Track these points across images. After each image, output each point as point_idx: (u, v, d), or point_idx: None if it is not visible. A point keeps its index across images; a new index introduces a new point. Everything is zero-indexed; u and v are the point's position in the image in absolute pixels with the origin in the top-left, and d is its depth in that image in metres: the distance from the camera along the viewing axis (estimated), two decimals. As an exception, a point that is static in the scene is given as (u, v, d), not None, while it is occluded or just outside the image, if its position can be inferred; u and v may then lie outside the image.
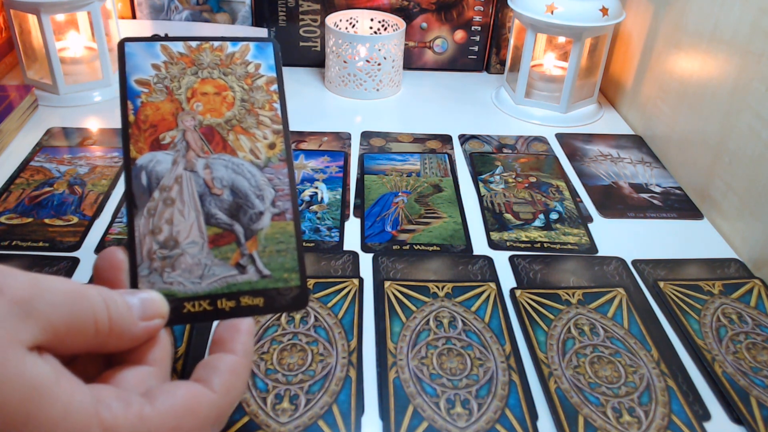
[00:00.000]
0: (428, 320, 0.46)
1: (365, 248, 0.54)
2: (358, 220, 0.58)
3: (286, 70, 0.88)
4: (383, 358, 0.43)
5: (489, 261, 0.53)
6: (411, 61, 0.90)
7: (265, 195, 0.34)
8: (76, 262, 0.51)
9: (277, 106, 0.35)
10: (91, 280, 0.37)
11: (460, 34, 0.88)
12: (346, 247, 0.54)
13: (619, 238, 0.57)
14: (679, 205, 0.62)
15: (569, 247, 0.55)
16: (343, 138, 0.71)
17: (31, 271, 0.26)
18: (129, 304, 0.29)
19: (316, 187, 0.62)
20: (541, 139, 0.74)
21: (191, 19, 0.86)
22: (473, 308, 0.47)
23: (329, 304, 0.47)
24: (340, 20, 0.84)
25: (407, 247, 0.54)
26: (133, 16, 0.87)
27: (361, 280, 0.50)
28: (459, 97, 0.84)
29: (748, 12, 0.56)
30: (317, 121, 0.75)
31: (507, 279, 0.51)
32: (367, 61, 0.79)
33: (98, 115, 0.74)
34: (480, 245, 0.55)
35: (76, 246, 0.53)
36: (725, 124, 0.59)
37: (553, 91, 0.79)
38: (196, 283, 0.32)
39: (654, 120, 0.73)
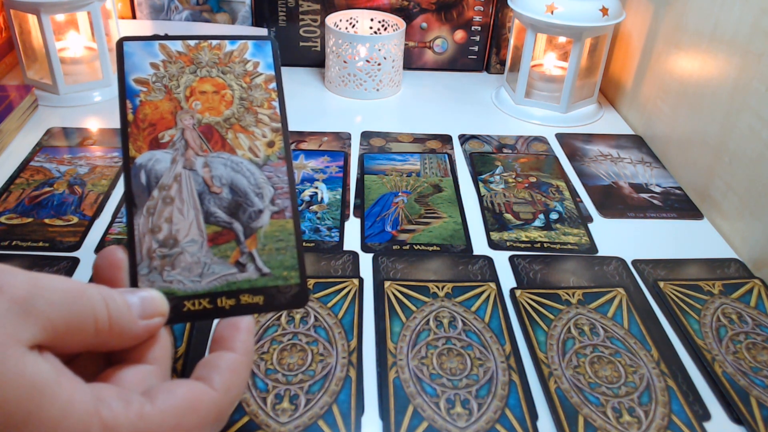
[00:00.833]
0: (428, 320, 0.46)
1: (365, 248, 0.54)
2: (358, 220, 0.58)
3: (286, 70, 0.88)
4: (383, 358, 0.43)
5: (489, 261, 0.53)
6: (411, 61, 0.90)
7: (265, 193, 0.34)
8: (76, 262, 0.51)
9: (276, 104, 0.35)
10: (91, 280, 0.37)
11: (460, 34, 0.88)
12: (346, 247, 0.54)
13: (619, 238, 0.57)
14: (679, 205, 0.62)
15: (569, 247, 0.55)
16: (343, 138, 0.71)
17: (32, 271, 0.26)
18: (129, 303, 0.29)
19: (316, 187, 0.62)
20: (541, 139, 0.74)
21: (191, 19, 0.86)
22: (473, 308, 0.47)
23: (329, 304, 0.47)
24: (340, 20, 0.84)
25: (407, 247, 0.54)
26: (133, 16, 0.87)
27: (361, 280, 0.50)
28: (459, 97, 0.84)
29: (748, 12, 0.56)
30: (317, 121, 0.75)
31: (507, 279, 0.51)
32: (367, 61, 0.79)
33: (98, 115, 0.74)
34: (480, 245, 0.55)
35: (76, 246, 0.53)
36: (725, 124, 0.59)
37: (553, 91, 0.79)
38: (196, 281, 0.32)
39: (654, 120, 0.73)
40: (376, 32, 0.86)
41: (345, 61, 0.79)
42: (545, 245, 0.55)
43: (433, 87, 0.86)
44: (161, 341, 0.30)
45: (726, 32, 0.59)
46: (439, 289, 0.49)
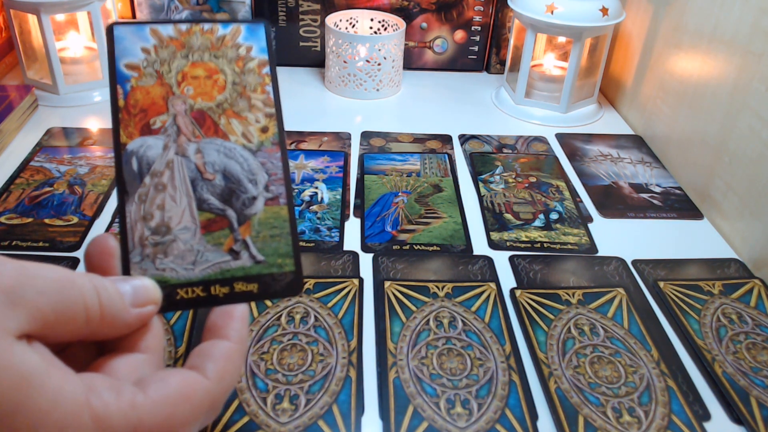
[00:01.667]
0: (428, 320, 0.46)
1: (365, 248, 0.54)
2: (358, 220, 0.58)
3: (286, 70, 0.88)
4: (383, 358, 0.43)
5: (489, 261, 0.53)
6: (411, 61, 0.90)
7: (258, 179, 0.34)
8: (76, 262, 0.51)
9: (270, 89, 0.35)
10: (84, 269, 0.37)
11: (460, 34, 0.88)
12: (346, 247, 0.54)
13: (619, 238, 0.57)
14: (679, 205, 0.62)
15: (569, 247, 0.55)
16: (343, 138, 0.71)
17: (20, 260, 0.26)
18: (121, 291, 0.28)
19: (316, 187, 0.62)
20: (541, 139, 0.74)
21: (191, 19, 0.86)
22: (473, 308, 0.47)
23: (329, 304, 0.47)
24: (340, 20, 0.84)
25: (407, 247, 0.54)
26: (133, 16, 0.87)
27: (361, 280, 0.50)
28: (459, 97, 0.84)
29: (748, 12, 0.56)
30: (317, 121, 0.75)
31: (507, 279, 0.51)
32: (367, 61, 0.79)
33: (98, 115, 0.74)
34: (480, 245, 0.55)
35: (76, 246, 0.53)
36: (725, 124, 0.59)
37: (553, 91, 0.79)
38: (189, 269, 0.32)
39: (654, 120, 0.73)
40: (376, 32, 0.86)
41: (345, 61, 0.79)
42: (545, 245, 0.55)
43: (433, 87, 0.86)
44: (154, 330, 0.30)
45: (726, 32, 0.59)
46: (439, 289, 0.49)
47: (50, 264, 0.26)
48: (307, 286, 0.49)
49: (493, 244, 0.55)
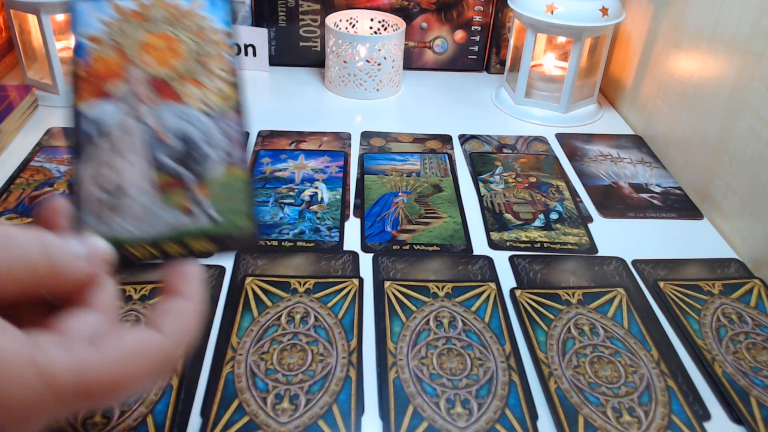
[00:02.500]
0: (428, 320, 0.46)
1: (365, 248, 0.54)
2: (358, 220, 0.58)
3: (286, 70, 0.88)
4: (383, 358, 0.43)
5: (489, 261, 0.53)
6: (411, 61, 0.90)
7: (216, 143, 0.34)
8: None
9: (230, 58, 0.35)
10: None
11: (460, 34, 0.88)
12: (346, 247, 0.54)
13: (619, 238, 0.57)
14: (679, 205, 0.62)
15: (569, 247, 0.55)
16: (343, 138, 0.71)
17: None
18: (70, 247, 0.28)
19: (316, 187, 0.62)
20: (541, 139, 0.74)
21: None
22: (473, 308, 0.47)
23: (329, 304, 0.47)
24: (340, 20, 0.84)
25: (407, 247, 0.54)
26: (133, 16, 0.87)
27: (361, 280, 0.50)
28: (459, 97, 0.84)
29: (748, 12, 0.56)
30: (317, 121, 0.75)
31: (507, 279, 0.51)
32: (367, 61, 0.79)
33: (98, 115, 0.74)
34: (480, 245, 0.55)
35: (76, 246, 0.53)
36: (725, 124, 0.59)
37: (553, 91, 0.79)
38: (143, 228, 0.32)
39: (654, 120, 0.73)
40: (376, 32, 0.86)
41: (345, 61, 0.79)
42: (545, 245, 0.55)
43: (433, 87, 0.86)
44: (106, 289, 0.29)
45: (726, 32, 0.59)
46: (439, 289, 0.49)
47: None
48: (307, 286, 0.49)
49: (493, 244, 0.55)
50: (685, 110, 0.66)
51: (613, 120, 0.80)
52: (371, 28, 0.86)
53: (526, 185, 0.64)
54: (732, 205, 0.57)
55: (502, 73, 0.90)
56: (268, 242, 0.54)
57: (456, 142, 0.72)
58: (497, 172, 0.67)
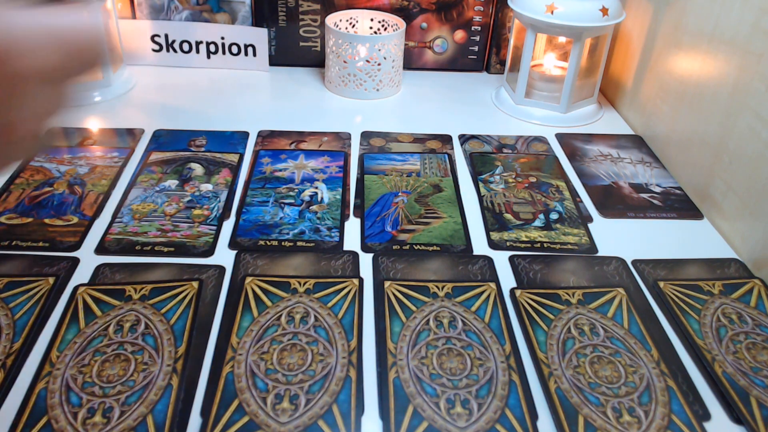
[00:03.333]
0: (428, 320, 0.46)
1: (365, 248, 0.54)
2: (358, 220, 0.58)
3: (286, 70, 0.88)
4: (383, 358, 0.43)
5: (489, 261, 0.53)
6: (411, 61, 0.90)
7: None
8: (76, 262, 0.51)
9: None
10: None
11: (460, 34, 0.88)
12: (346, 247, 0.54)
13: (619, 238, 0.57)
14: (679, 205, 0.62)
15: (569, 247, 0.55)
16: (343, 138, 0.71)
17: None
18: None
19: (316, 187, 0.62)
20: (541, 139, 0.74)
21: (191, 19, 0.86)
22: (473, 308, 0.47)
23: (329, 304, 0.47)
24: (340, 20, 0.84)
25: (407, 247, 0.54)
26: (133, 16, 0.87)
27: (361, 280, 0.50)
28: (459, 97, 0.84)
29: (748, 12, 0.56)
30: (317, 121, 0.75)
31: (507, 279, 0.51)
32: (367, 61, 0.79)
33: (98, 115, 0.74)
34: (480, 245, 0.55)
35: (76, 246, 0.53)
36: (725, 124, 0.59)
37: (553, 91, 0.79)
38: None
39: (654, 120, 0.73)
40: (376, 32, 0.86)
41: (345, 61, 0.79)
42: (545, 245, 0.55)
43: (433, 87, 0.86)
44: None
45: (726, 32, 0.59)
46: (439, 289, 0.49)
47: None
48: (307, 285, 0.49)
49: (493, 244, 0.55)
50: (685, 110, 0.66)
51: (613, 120, 0.80)
52: (371, 28, 0.86)
53: (526, 185, 0.64)
54: (732, 205, 0.57)
55: (502, 73, 0.90)
56: (268, 242, 0.54)
57: (456, 142, 0.72)
58: (497, 172, 0.67)
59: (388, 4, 0.85)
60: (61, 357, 0.42)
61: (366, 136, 0.72)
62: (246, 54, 0.86)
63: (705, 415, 0.40)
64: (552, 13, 0.71)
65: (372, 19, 0.85)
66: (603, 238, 0.57)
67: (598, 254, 0.55)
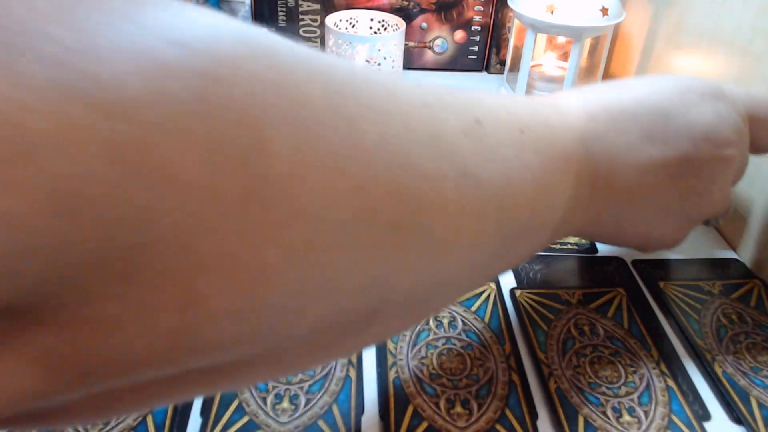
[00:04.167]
0: (428, 320, 0.46)
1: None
2: (358, 220, 0.58)
3: (286, 70, 0.88)
4: (383, 358, 0.43)
5: (489, 261, 0.53)
6: (411, 61, 0.90)
7: None
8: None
9: None
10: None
11: (460, 34, 0.88)
12: (346, 247, 0.54)
13: (619, 238, 0.57)
14: (679, 205, 0.62)
15: (569, 247, 0.55)
16: (343, 138, 0.71)
17: None
18: None
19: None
20: (541, 139, 0.74)
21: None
22: (473, 308, 0.47)
23: (329, 304, 0.47)
24: (340, 20, 0.84)
25: (407, 247, 0.54)
26: (133, 16, 0.87)
27: (361, 280, 0.50)
28: (459, 97, 0.84)
29: (748, 12, 0.56)
30: (317, 121, 0.75)
31: (507, 279, 0.51)
32: (367, 61, 0.79)
33: (98, 115, 0.74)
34: (480, 245, 0.55)
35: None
36: (725, 124, 0.59)
37: (554, 90, 0.79)
38: None
39: (654, 120, 0.73)
40: (376, 32, 0.86)
41: (345, 61, 0.79)
42: (545, 245, 0.55)
43: (433, 87, 0.86)
44: None
45: (726, 32, 0.59)
46: (439, 289, 0.49)
47: None
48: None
49: (493, 244, 0.55)
50: (685, 110, 0.66)
51: (613, 120, 0.80)
52: (371, 28, 0.86)
53: (526, 185, 0.64)
54: (732, 205, 0.57)
55: (502, 73, 0.90)
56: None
57: (456, 142, 0.72)
58: (497, 172, 0.66)
59: (388, 4, 0.85)
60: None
61: (366, 136, 0.72)
62: (246, 54, 0.86)
63: (705, 415, 0.40)
64: (552, 13, 0.71)
65: (372, 19, 0.85)
66: (603, 238, 0.57)
67: (598, 254, 0.55)
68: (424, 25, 0.87)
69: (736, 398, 0.41)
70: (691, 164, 0.36)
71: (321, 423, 0.38)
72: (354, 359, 0.42)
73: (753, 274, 0.53)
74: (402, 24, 0.82)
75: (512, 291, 0.49)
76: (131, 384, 0.18)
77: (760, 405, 0.41)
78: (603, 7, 0.72)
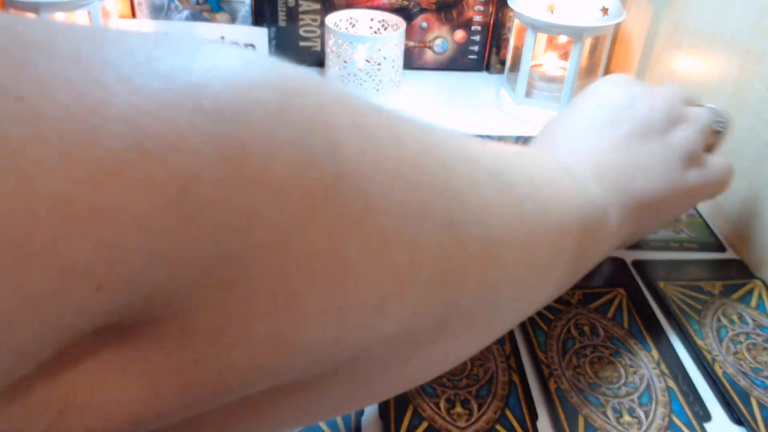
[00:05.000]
0: (428, 320, 0.46)
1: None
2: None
3: (286, 69, 0.88)
4: (383, 358, 0.43)
5: (489, 261, 0.53)
6: (411, 61, 0.90)
7: None
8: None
9: None
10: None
11: (460, 34, 0.88)
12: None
13: (620, 239, 0.57)
14: (679, 206, 0.62)
15: (569, 247, 0.55)
16: (343, 138, 0.71)
17: None
18: None
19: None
20: (541, 139, 0.74)
21: (191, 19, 0.86)
22: (473, 308, 0.47)
23: (329, 304, 0.47)
24: (340, 20, 0.84)
25: (407, 247, 0.54)
26: (133, 16, 0.87)
27: (360, 280, 0.50)
28: (459, 97, 0.84)
29: (748, 11, 0.56)
30: (317, 121, 0.75)
31: (507, 279, 0.51)
32: (367, 61, 0.79)
33: (98, 114, 0.74)
34: (480, 245, 0.55)
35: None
36: (725, 124, 0.58)
37: (554, 91, 0.79)
38: None
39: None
40: (376, 32, 0.86)
41: (345, 61, 0.79)
42: (545, 245, 0.55)
43: (433, 87, 0.86)
44: None
45: (726, 32, 0.59)
46: (439, 289, 0.49)
47: None
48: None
49: (493, 244, 0.55)
50: (686, 110, 0.66)
51: (613, 120, 0.80)
52: (371, 28, 0.86)
53: (526, 185, 0.64)
54: (732, 205, 0.57)
55: (502, 73, 0.90)
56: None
57: (456, 142, 0.72)
58: (497, 172, 0.66)
59: (388, 4, 0.85)
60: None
61: (366, 136, 0.72)
62: (246, 54, 0.86)
63: (705, 415, 0.40)
64: (552, 12, 0.71)
65: (372, 19, 0.85)
66: (603, 239, 0.57)
67: (599, 254, 0.55)
68: (424, 24, 0.87)
69: (736, 399, 0.41)
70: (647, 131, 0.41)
71: (321, 423, 0.38)
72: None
73: (753, 275, 0.53)
74: (402, 24, 0.82)
75: (512, 291, 0.49)
76: (225, 405, 0.18)
77: (761, 406, 0.41)
78: (603, 7, 0.72)
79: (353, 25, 0.85)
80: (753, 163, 0.55)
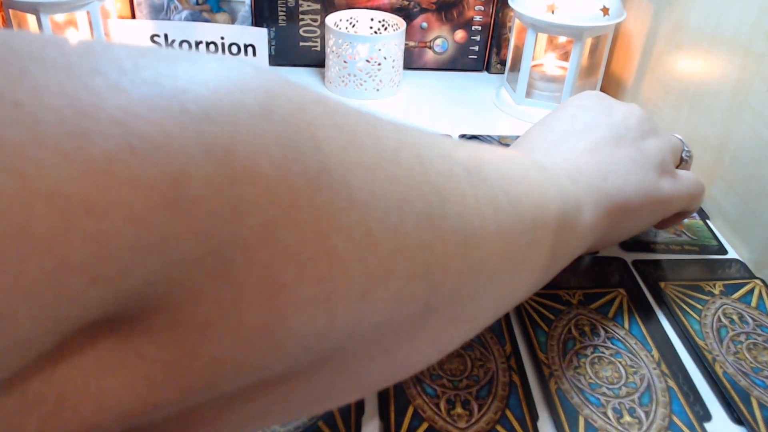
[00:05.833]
0: (428, 320, 0.46)
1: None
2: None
3: (286, 70, 0.88)
4: (383, 359, 0.43)
5: (489, 261, 0.53)
6: (411, 61, 0.90)
7: None
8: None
9: None
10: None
11: (460, 34, 0.88)
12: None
13: (620, 239, 0.57)
14: (679, 205, 0.62)
15: (570, 247, 0.55)
16: (343, 138, 0.71)
17: None
18: None
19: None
20: (541, 139, 0.74)
21: (191, 19, 0.86)
22: (473, 308, 0.47)
23: (329, 305, 0.47)
24: (340, 20, 0.84)
25: (407, 247, 0.54)
26: (133, 16, 0.87)
27: (361, 281, 0.50)
28: (459, 97, 0.84)
29: (749, 11, 0.56)
30: (317, 121, 0.75)
31: (507, 279, 0.51)
32: (367, 61, 0.79)
33: (98, 115, 0.74)
34: (480, 245, 0.55)
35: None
36: (726, 124, 0.58)
37: (554, 90, 0.79)
38: None
39: (655, 120, 0.72)
40: (376, 32, 0.86)
41: (345, 61, 0.79)
42: (546, 245, 0.55)
43: (433, 87, 0.86)
44: None
45: (727, 32, 0.59)
46: (439, 289, 0.49)
47: None
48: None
49: (494, 245, 0.55)
50: (686, 110, 0.66)
51: (613, 120, 0.80)
52: (371, 28, 0.86)
53: (527, 185, 0.64)
54: (733, 205, 0.57)
55: (503, 73, 0.90)
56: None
57: (456, 142, 0.72)
58: (497, 172, 0.66)
59: (388, 4, 0.85)
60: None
61: (366, 136, 0.72)
62: (246, 54, 0.86)
63: (706, 415, 0.40)
64: (552, 12, 0.71)
65: (372, 19, 0.85)
66: (603, 239, 0.57)
67: (599, 254, 0.55)
68: (425, 24, 0.87)
69: (736, 399, 0.41)
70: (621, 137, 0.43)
71: (321, 423, 0.38)
72: (354, 360, 0.42)
73: (753, 274, 0.53)
74: (402, 24, 0.82)
75: (512, 291, 0.49)
76: (215, 399, 0.19)
77: (761, 405, 0.41)
78: (604, 7, 0.72)
79: (353, 25, 0.85)
80: (753, 163, 0.54)
